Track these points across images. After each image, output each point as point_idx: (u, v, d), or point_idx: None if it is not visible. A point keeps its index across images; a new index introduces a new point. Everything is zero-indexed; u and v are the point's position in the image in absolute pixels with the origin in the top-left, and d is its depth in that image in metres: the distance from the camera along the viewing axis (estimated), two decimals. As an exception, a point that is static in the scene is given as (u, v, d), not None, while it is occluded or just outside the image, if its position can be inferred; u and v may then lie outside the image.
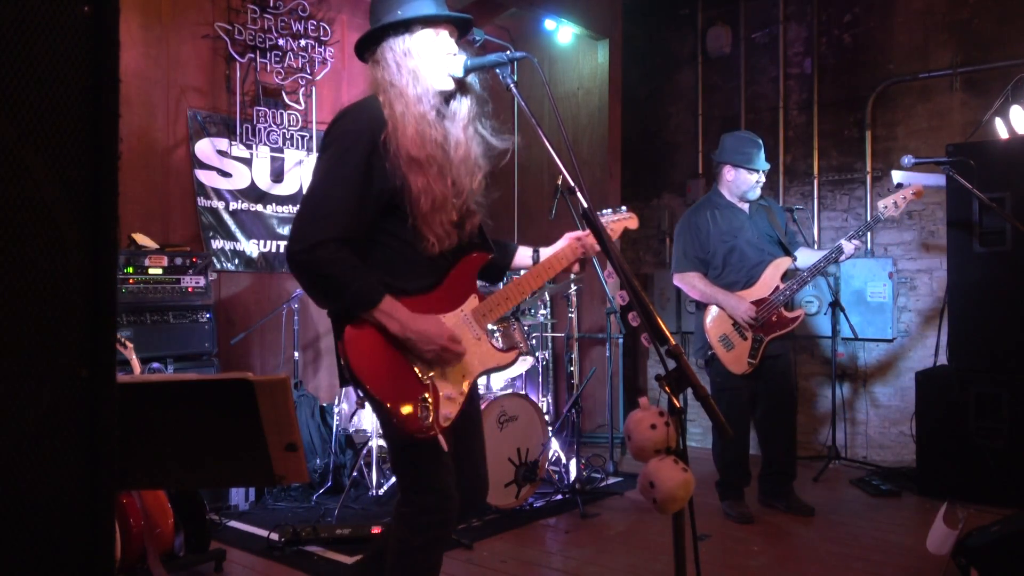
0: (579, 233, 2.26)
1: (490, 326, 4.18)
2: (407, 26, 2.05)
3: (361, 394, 2.00)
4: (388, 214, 2.02)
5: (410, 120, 2.00)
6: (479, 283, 2.23)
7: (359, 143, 1.97)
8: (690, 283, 4.07)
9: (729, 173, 4.11)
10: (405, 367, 1.99)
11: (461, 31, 2.16)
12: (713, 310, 4.02)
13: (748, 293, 3.99)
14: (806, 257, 4.06)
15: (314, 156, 5.06)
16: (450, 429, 2.04)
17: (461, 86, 2.12)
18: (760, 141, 4.13)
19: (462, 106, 2.12)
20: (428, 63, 2.05)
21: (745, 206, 4.14)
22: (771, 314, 3.94)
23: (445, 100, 2.11)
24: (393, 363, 1.98)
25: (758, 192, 4.13)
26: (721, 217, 4.08)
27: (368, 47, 2.12)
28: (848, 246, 3.90)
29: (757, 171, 4.06)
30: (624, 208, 2.46)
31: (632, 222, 2.46)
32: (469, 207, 2.12)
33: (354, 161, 1.96)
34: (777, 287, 3.97)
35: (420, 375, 1.99)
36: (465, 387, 2.07)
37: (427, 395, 1.98)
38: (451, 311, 2.09)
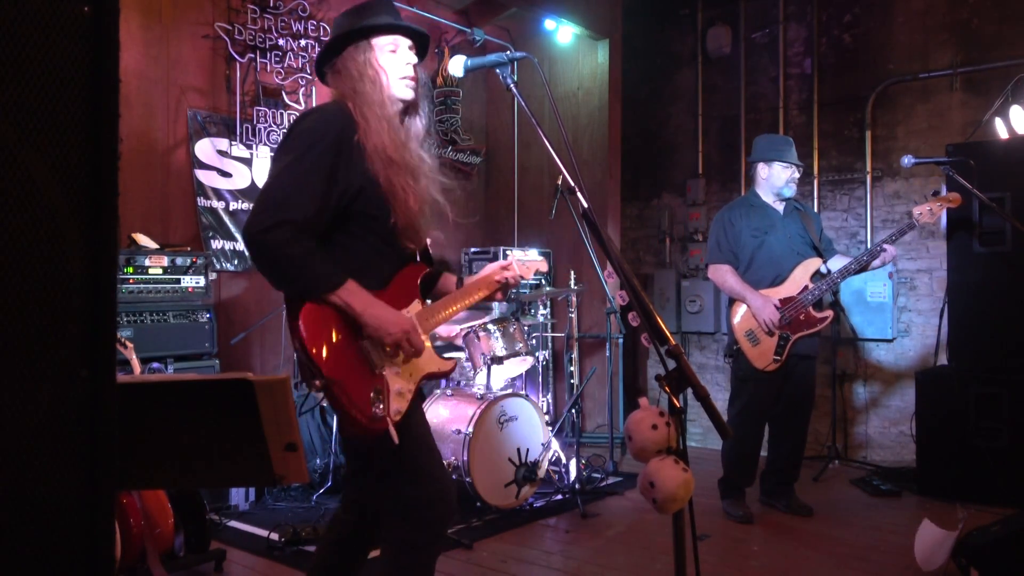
0: (502, 263, 2.40)
1: (490, 326, 4.24)
2: (366, 35, 2.10)
3: (317, 381, 1.91)
4: (354, 215, 2.02)
5: (381, 124, 2.03)
6: None
7: (326, 139, 1.96)
8: (722, 276, 4.11)
9: (763, 170, 4.15)
10: (359, 354, 1.97)
11: (420, 48, 2.20)
12: (742, 305, 4.05)
13: (776, 291, 4.01)
14: (838, 263, 4.05)
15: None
16: (411, 424, 2.05)
17: (412, 107, 2.19)
18: (791, 140, 4.19)
19: (415, 124, 2.20)
20: (388, 72, 2.10)
21: (780, 207, 4.17)
22: (798, 312, 3.95)
23: (405, 112, 2.17)
24: (348, 348, 1.96)
25: (794, 189, 4.15)
26: (754, 214, 4.13)
27: (328, 61, 2.17)
28: (889, 250, 3.87)
29: (791, 165, 4.09)
30: (537, 251, 2.61)
31: (543, 265, 2.61)
32: (424, 218, 2.15)
33: (320, 156, 1.94)
34: (806, 286, 3.98)
35: (373, 366, 1.98)
36: (412, 385, 2.07)
37: (379, 386, 1.97)
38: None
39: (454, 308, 2.27)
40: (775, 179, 4.12)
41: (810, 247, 4.11)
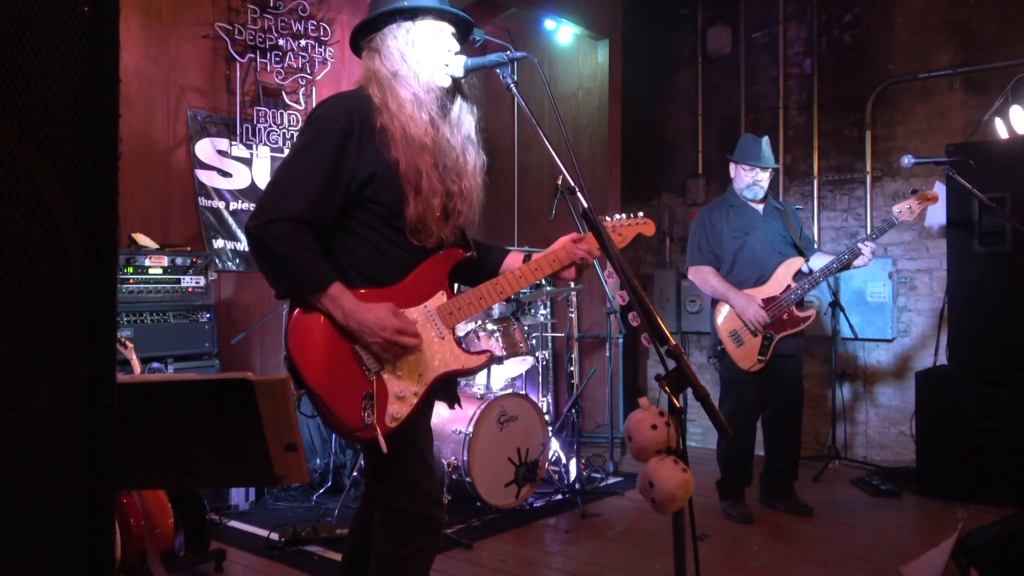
0: (576, 236, 2.18)
1: (490, 326, 4.22)
2: (412, 15, 2.01)
3: (298, 389, 1.90)
4: (365, 203, 1.96)
5: (411, 109, 1.97)
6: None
7: (332, 128, 1.92)
8: (703, 278, 4.10)
9: (732, 170, 4.21)
10: (350, 359, 1.91)
11: (462, 36, 2.13)
12: (725, 306, 4.04)
13: (759, 291, 4.00)
14: (819, 261, 4.05)
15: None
16: (411, 431, 1.97)
17: (458, 90, 2.11)
18: (761, 140, 4.16)
19: (460, 111, 2.10)
20: (430, 56, 2.02)
21: (759, 206, 4.18)
22: (782, 312, 3.95)
23: (443, 102, 2.07)
24: (336, 354, 1.90)
25: (758, 192, 4.15)
26: (734, 215, 4.14)
27: (366, 35, 2.07)
28: (865, 249, 3.86)
29: (754, 168, 4.08)
30: (640, 213, 2.36)
31: (648, 228, 2.34)
32: (457, 208, 2.06)
33: (324, 146, 1.90)
34: (789, 286, 3.98)
35: (367, 370, 1.91)
36: (421, 387, 1.97)
37: (371, 392, 1.89)
38: (414, 306, 2.00)
39: (494, 295, 2.07)
40: (738, 180, 4.17)
41: (791, 246, 4.11)
